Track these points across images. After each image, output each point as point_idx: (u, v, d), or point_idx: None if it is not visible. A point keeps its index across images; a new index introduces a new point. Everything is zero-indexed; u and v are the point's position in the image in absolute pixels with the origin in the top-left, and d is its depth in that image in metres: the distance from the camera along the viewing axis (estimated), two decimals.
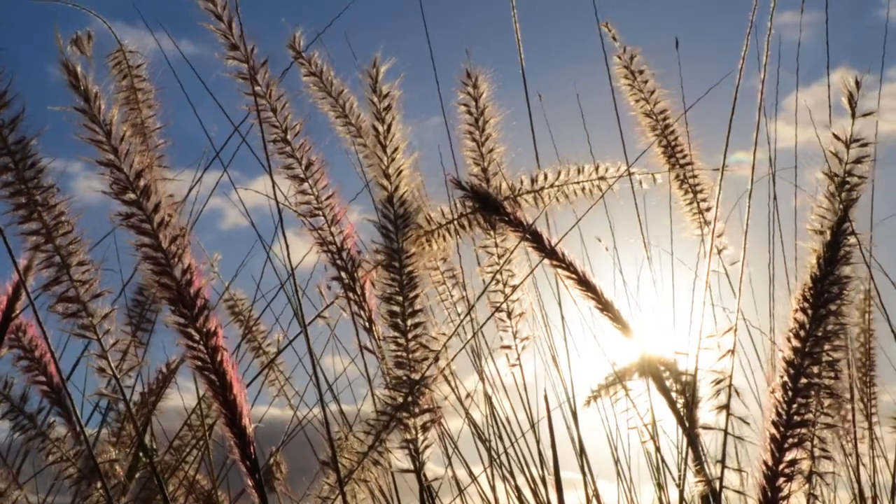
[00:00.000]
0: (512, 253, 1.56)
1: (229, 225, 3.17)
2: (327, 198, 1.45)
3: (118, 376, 1.05)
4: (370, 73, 1.32)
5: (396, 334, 1.31)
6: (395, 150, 1.33)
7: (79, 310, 1.03)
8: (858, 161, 1.12)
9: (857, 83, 1.09)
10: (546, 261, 1.48)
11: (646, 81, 1.95)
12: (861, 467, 1.77)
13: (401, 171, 1.33)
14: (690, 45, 2.01)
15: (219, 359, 0.99)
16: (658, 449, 1.63)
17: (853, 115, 1.08)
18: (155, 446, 1.87)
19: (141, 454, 1.57)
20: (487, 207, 1.47)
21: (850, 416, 1.87)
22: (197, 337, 0.98)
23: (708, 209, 1.92)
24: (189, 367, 1.02)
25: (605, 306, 1.50)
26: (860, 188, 1.11)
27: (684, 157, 1.95)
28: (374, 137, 1.32)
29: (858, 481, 1.74)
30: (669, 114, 1.94)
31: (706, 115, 1.93)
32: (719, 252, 1.91)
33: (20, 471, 1.63)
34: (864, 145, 1.12)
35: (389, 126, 1.33)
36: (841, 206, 0.95)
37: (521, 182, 1.51)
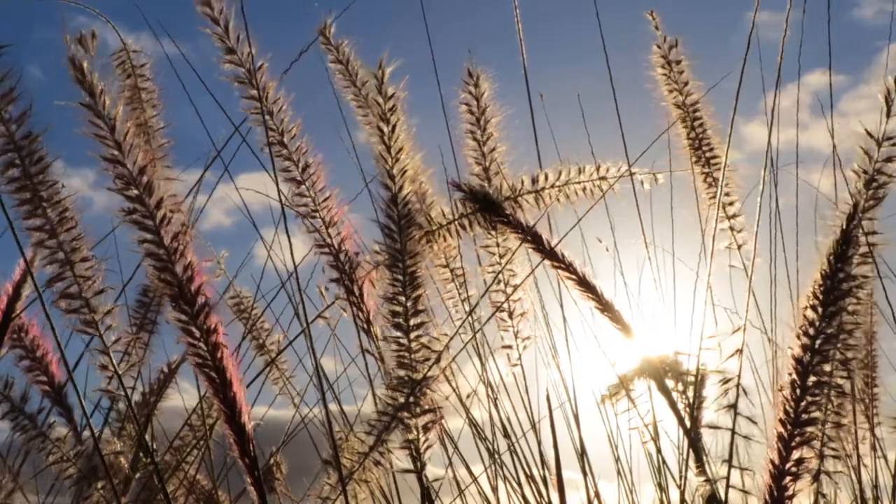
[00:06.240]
0: (514, 253, 1.55)
1: (212, 224, 3.17)
2: (324, 200, 1.44)
3: (120, 373, 1.04)
4: (376, 74, 1.31)
5: (399, 334, 1.30)
6: (400, 150, 1.32)
7: (81, 306, 1.02)
8: (889, 159, 1.11)
9: None
10: (546, 261, 1.47)
11: (681, 72, 1.93)
12: (862, 468, 1.76)
13: (405, 172, 1.32)
14: (690, 45, 2.01)
15: (219, 356, 0.99)
16: (659, 450, 1.62)
17: (888, 114, 1.07)
18: (155, 446, 1.86)
19: (142, 454, 1.56)
20: (487, 209, 1.47)
21: (851, 417, 1.86)
22: (197, 334, 0.98)
23: (731, 203, 1.92)
24: (190, 365, 1.01)
25: (605, 307, 1.49)
26: (888, 187, 1.10)
27: (710, 150, 1.94)
28: (378, 138, 1.32)
29: (859, 482, 1.74)
30: (700, 106, 1.94)
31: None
32: (739, 248, 1.91)
33: (20, 471, 1.62)
34: None
35: (394, 127, 1.32)
36: (853, 203, 0.95)
37: (522, 182, 1.51)
